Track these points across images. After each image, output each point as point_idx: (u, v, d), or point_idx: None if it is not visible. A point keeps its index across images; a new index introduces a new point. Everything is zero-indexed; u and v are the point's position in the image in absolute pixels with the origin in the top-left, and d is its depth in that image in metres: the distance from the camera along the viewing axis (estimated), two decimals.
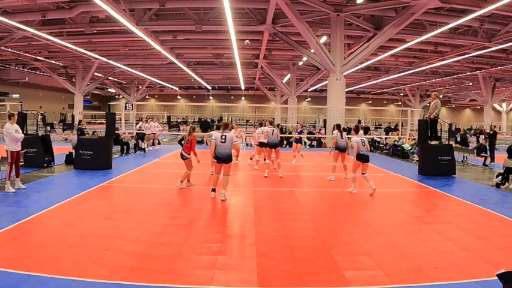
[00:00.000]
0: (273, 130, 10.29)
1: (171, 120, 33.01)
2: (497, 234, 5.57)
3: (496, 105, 43.59)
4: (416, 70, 29.52)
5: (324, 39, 19.22)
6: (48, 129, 22.06)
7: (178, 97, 52.25)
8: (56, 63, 31.08)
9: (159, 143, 18.39)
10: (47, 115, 24.34)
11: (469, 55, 22.89)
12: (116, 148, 14.20)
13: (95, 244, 4.76)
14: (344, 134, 10.37)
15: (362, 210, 7.12)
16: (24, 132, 10.62)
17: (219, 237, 5.23)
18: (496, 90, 34.74)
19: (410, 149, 15.62)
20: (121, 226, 5.56)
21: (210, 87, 47.44)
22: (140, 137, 16.24)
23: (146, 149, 15.85)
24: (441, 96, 43.34)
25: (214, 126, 13.36)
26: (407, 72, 30.66)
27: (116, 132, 13.63)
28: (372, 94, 50.88)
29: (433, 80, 35.55)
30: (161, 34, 20.84)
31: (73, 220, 5.77)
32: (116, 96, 49.16)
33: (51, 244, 4.71)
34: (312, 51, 19.10)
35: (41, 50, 26.24)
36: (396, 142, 17.94)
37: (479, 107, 50.42)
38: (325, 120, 21.25)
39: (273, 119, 14.50)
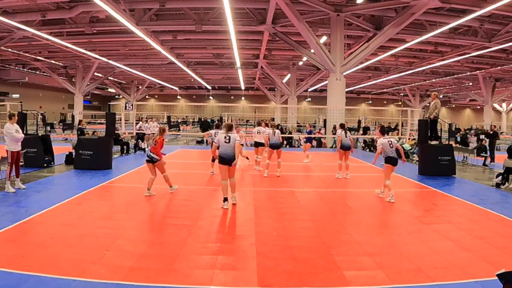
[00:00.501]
0: (275, 131, 10.35)
1: (171, 120, 33.00)
2: (497, 234, 5.57)
3: (496, 105, 43.59)
4: (416, 70, 29.52)
5: (324, 39, 19.22)
6: (48, 129, 22.08)
7: (178, 97, 52.26)
8: (56, 63, 31.09)
9: None
10: (47, 115, 24.36)
11: (469, 55, 22.89)
12: (116, 148, 14.21)
13: (95, 244, 4.76)
14: (348, 133, 10.48)
15: (362, 210, 7.11)
16: (24, 132, 10.62)
17: (219, 237, 5.23)
18: (496, 90, 34.74)
19: (410, 149, 15.61)
20: (121, 226, 5.56)
21: (210, 87, 47.45)
22: (140, 137, 16.24)
23: (146, 149, 15.83)
24: (441, 96, 43.37)
25: (214, 126, 13.27)
26: (407, 72, 30.66)
27: (116, 132, 13.64)
28: (372, 94, 50.89)
29: (433, 80, 35.55)
30: (161, 34, 20.84)
31: (73, 220, 5.77)
32: (116, 96, 49.17)
33: (51, 244, 4.71)
34: (312, 51, 19.10)
35: (41, 50, 26.24)
36: (396, 141, 17.92)
37: (479, 107, 50.43)
38: (325, 120, 21.26)
39: (273, 119, 14.67)
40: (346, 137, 10.27)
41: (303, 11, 16.56)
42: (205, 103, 52.59)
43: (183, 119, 42.87)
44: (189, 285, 3.76)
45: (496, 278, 2.53)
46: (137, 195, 7.67)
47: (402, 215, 6.77)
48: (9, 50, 24.81)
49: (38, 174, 9.73)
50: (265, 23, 17.56)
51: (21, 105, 14.39)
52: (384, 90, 47.14)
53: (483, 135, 16.51)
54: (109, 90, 48.54)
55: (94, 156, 10.65)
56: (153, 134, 17.05)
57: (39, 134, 12.28)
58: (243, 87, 44.93)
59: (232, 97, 53.74)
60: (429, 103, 13.41)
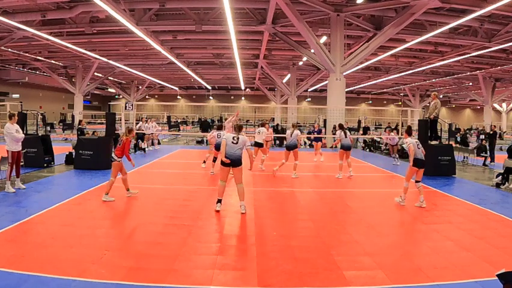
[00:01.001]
0: (293, 132, 10.42)
1: (171, 120, 33.00)
2: (497, 234, 5.57)
3: (496, 105, 43.58)
4: (416, 70, 29.52)
5: (324, 39, 19.22)
6: (48, 129, 22.06)
7: (178, 97, 52.26)
8: (56, 63, 31.09)
9: (159, 143, 18.39)
10: (47, 115, 24.34)
11: (469, 55, 22.89)
12: None
13: (95, 244, 4.76)
14: (348, 133, 10.53)
15: (362, 210, 7.11)
16: (24, 132, 10.62)
17: (219, 237, 5.23)
18: (496, 90, 34.74)
19: None
20: (121, 226, 5.56)
21: (210, 87, 47.44)
22: (140, 137, 16.24)
23: (146, 149, 15.85)
24: (441, 96, 43.37)
25: (215, 126, 13.25)
26: (407, 72, 30.66)
27: (116, 132, 13.63)
28: (372, 94, 50.88)
29: (433, 80, 35.55)
30: (161, 34, 20.85)
31: (73, 220, 5.77)
32: (116, 96, 49.16)
33: (51, 244, 4.71)
34: (312, 51, 19.10)
35: (41, 50, 26.24)
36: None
37: (479, 107, 50.43)
38: (325, 120, 21.25)
39: (273, 119, 14.83)
40: (346, 137, 10.35)
41: (303, 11, 16.56)
42: (205, 103, 52.58)
43: (183, 119, 42.87)
44: (189, 285, 3.76)
45: (496, 278, 2.53)
46: (138, 195, 7.67)
47: (402, 215, 6.77)
48: (9, 50, 24.82)
49: (38, 174, 9.73)
50: (265, 23, 17.56)
51: (21, 105, 14.37)
52: (384, 90, 47.14)
53: (483, 136, 16.53)
54: (109, 90, 48.54)
55: (94, 156, 10.65)
56: (152, 134, 17.16)
57: (39, 134, 12.27)
58: (243, 87, 44.90)
59: (232, 97, 53.73)
60: (429, 103, 13.41)
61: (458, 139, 20.66)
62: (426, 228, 5.86)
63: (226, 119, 12.50)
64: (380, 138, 21.14)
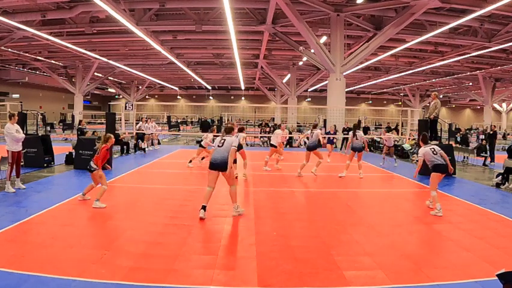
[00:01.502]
0: (313, 132, 10.53)
1: (171, 120, 33.01)
2: (497, 234, 5.57)
3: (496, 105, 43.58)
4: (416, 70, 29.53)
5: (324, 39, 19.22)
6: (48, 129, 22.08)
7: (178, 97, 52.27)
8: (56, 63, 31.09)
9: (159, 143, 18.39)
10: (47, 115, 24.38)
11: (469, 55, 22.89)
12: (116, 148, 14.20)
13: (95, 244, 4.76)
14: (360, 133, 10.54)
15: (362, 210, 7.12)
16: (24, 132, 10.63)
17: (218, 237, 5.23)
18: (496, 90, 34.75)
19: (410, 149, 15.62)
20: (121, 226, 5.56)
21: (210, 87, 47.45)
22: (140, 137, 16.24)
23: (146, 149, 15.85)
24: (441, 96, 43.35)
25: (213, 129, 13.22)
26: (407, 72, 30.67)
27: (116, 132, 13.64)
28: (372, 94, 50.88)
29: (433, 80, 35.56)
30: (161, 34, 20.85)
31: (73, 220, 5.77)
32: (116, 96, 49.18)
33: (51, 244, 4.71)
34: (312, 51, 19.10)
35: (41, 50, 26.25)
36: (396, 142, 17.93)
37: (479, 107, 50.43)
38: (325, 120, 21.25)
39: (273, 119, 14.94)
40: (357, 138, 10.35)
41: (303, 11, 16.56)
42: (205, 103, 52.60)
43: (183, 119, 42.88)
44: (189, 285, 3.76)
45: (496, 278, 2.53)
46: (137, 195, 7.68)
47: (402, 215, 6.77)
48: (9, 50, 24.82)
49: (38, 174, 9.73)
50: (265, 23, 17.56)
51: (21, 105, 14.40)
52: (384, 90, 47.15)
53: (483, 136, 16.54)
54: (109, 90, 48.55)
55: (94, 156, 10.63)
56: (152, 134, 17.15)
57: (39, 134, 12.28)
58: (243, 87, 44.91)
59: (232, 97, 53.74)
60: (429, 103, 13.43)
61: (458, 139, 20.67)
62: (426, 228, 5.86)
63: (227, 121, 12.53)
64: (380, 138, 21.16)
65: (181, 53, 26.86)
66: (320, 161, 10.40)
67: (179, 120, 37.93)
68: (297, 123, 34.81)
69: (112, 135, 6.97)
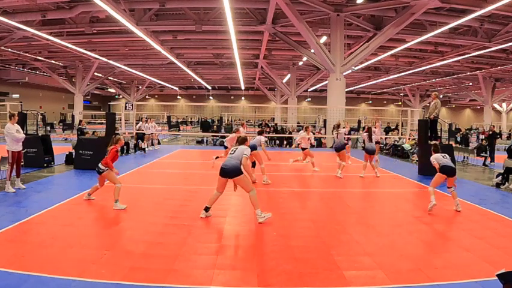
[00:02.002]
0: (338, 132, 10.58)
1: (171, 120, 33.02)
2: (497, 234, 5.57)
3: (496, 105, 43.57)
4: (416, 70, 29.51)
5: (324, 39, 19.22)
6: (48, 129, 22.08)
7: (178, 97, 52.26)
8: (56, 63, 31.09)
9: (159, 143, 18.39)
10: (47, 115, 24.38)
11: (469, 55, 22.88)
12: None
13: (95, 244, 4.76)
14: (375, 136, 10.60)
15: (362, 210, 7.12)
16: (24, 132, 10.62)
17: (219, 237, 5.23)
18: (496, 90, 34.73)
19: (410, 149, 15.62)
20: (121, 226, 5.56)
21: (210, 87, 47.44)
22: (140, 137, 16.24)
23: (146, 149, 15.85)
24: (441, 96, 43.36)
25: (237, 129, 12.72)
26: (407, 72, 30.65)
27: (116, 132, 13.63)
28: (372, 94, 50.87)
29: (433, 80, 35.54)
30: (161, 34, 20.84)
31: (73, 220, 5.77)
32: (116, 96, 49.17)
33: (51, 244, 4.71)
34: (312, 51, 19.10)
35: (41, 50, 26.24)
36: (396, 142, 17.95)
37: (479, 107, 50.41)
38: (325, 120, 21.25)
39: (273, 119, 14.80)
40: (371, 141, 10.37)
41: (303, 11, 16.55)
42: (205, 103, 52.58)
43: (183, 119, 42.87)
44: (189, 285, 3.76)
45: (496, 278, 2.52)
46: (137, 195, 7.68)
47: (402, 215, 6.77)
48: (9, 50, 24.81)
49: (38, 174, 9.73)
50: (265, 23, 17.55)
51: (21, 105, 14.39)
52: (384, 90, 47.14)
53: (482, 136, 16.53)
54: (109, 90, 48.53)
55: (94, 156, 10.62)
56: (151, 134, 17.15)
57: (39, 134, 12.28)
58: (243, 87, 44.90)
59: (232, 97, 53.73)
60: (430, 103, 13.41)
61: (458, 139, 20.67)
62: (426, 228, 5.86)
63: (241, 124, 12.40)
64: (380, 138, 21.16)
65: (181, 53, 26.85)
66: (343, 164, 10.54)
67: (179, 120, 37.95)
68: (297, 123, 34.82)
69: (122, 137, 7.00)
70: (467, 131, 26.22)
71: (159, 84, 45.87)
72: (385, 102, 53.97)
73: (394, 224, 6.09)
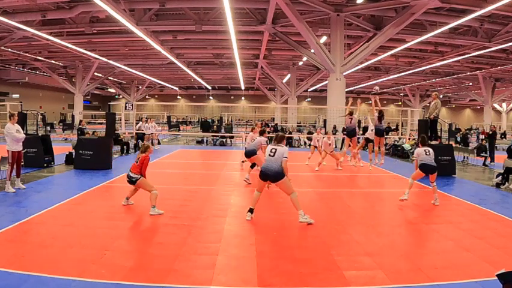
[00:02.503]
0: (351, 118, 11.34)
1: (171, 120, 33.03)
2: (497, 234, 5.57)
3: (496, 105, 43.57)
4: (416, 70, 29.51)
5: (324, 39, 19.22)
6: (48, 129, 22.06)
7: (178, 97, 52.26)
8: (56, 63, 31.09)
9: (159, 143, 18.39)
10: (47, 115, 24.34)
11: (469, 55, 22.88)
12: (116, 148, 14.20)
13: (95, 244, 4.76)
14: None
15: (362, 210, 7.12)
16: (25, 132, 10.62)
17: (219, 237, 5.23)
18: (496, 90, 34.74)
19: (410, 149, 15.62)
20: (121, 226, 5.56)
21: (210, 87, 47.45)
22: (140, 137, 16.24)
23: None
24: (441, 96, 43.34)
25: (252, 130, 12.00)
26: (407, 72, 30.66)
27: (116, 132, 13.63)
28: (372, 94, 50.84)
29: (433, 80, 35.54)
30: (161, 34, 20.84)
31: (73, 220, 5.77)
32: (116, 96, 49.16)
33: (51, 244, 4.71)
34: (312, 51, 19.10)
35: (41, 50, 26.24)
36: (396, 142, 17.96)
37: (479, 107, 50.41)
38: (325, 120, 21.24)
39: (273, 119, 14.94)
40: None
41: (303, 11, 16.55)
42: (205, 103, 52.58)
43: (183, 119, 42.87)
44: (189, 285, 3.76)
45: (496, 278, 2.52)
46: (137, 195, 7.66)
47: (402, 215, 6.77)
48: (9, 50, 24.81)
49: (38, 174, 9.73)
50: (265, 23, 17.55)
51: (21, 105, 14.38)
52: (384, 90, 47.10)
53: (482, 136, 16.52)
54: (109, 90, 48.53)
55: (94, 156, 10.65)
56: (151, 134, 17.14)
57: (39, 134, 12.27)
58: (243, 87, 44.90)
59: (232, 97, 53.74)
60: (430, 103, 13.41)
61: (458, 139, 20.67)
62: (427, 228, 5.86)
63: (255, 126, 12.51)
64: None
65: (181, 53, 26.85)
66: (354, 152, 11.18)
67: (179, 120, 37.94)
68: (297, 123, 34.84)
69: (150, 145, 7.10)
70: (467, 131, 26.22)
71: (159, 84, 45.88)
72: (385, 102, 53.91)
73: (394, 224, 6.09)
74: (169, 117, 33.07)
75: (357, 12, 16.95)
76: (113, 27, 18.62)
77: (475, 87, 37.32)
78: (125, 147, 14.98)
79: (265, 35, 19.50)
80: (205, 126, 22.42)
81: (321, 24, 18.46)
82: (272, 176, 5.77)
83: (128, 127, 21.52)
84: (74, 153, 11.24)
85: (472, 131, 31.10)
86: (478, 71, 29.20)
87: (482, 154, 14.46)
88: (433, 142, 11.86)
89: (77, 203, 6.87)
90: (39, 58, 28.39)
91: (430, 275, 4.07)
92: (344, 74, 18.69)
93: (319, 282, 3.90)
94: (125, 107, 16.36)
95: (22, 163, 8.86)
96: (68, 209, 6.46)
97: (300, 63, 29.41)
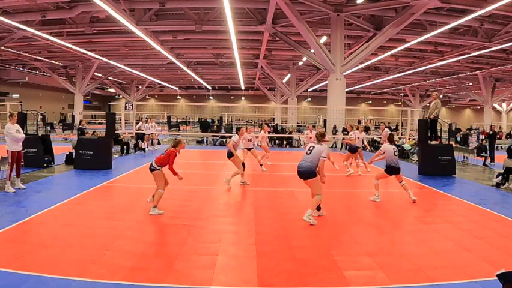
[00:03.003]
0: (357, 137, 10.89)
1: (171, 120, 33.02)
2: (497, 234, 5.57)
3: (496, 105, 43.56)
4: (416, 70, 29.51)
5: (324, 39, 19.22)
6: (48, 129, 22.06)
7: (178, 97, 52.25)
8: (56, 63, 31.09)
9: (159, 143, 18.39)
10: (47, 115, 24.34)
11: (469, 55, 22.88)
12: (116, 148, 14.20)
13: (95, 244, 4.76)
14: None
15: (362, 210, 7.12)
16: (24, 132, 10.62)
17: (218, 237, 5.23)
18: (496, 90, 34.71)
19: (410, 149, 15.62)
20: (121, 226, 5.56)
21: (210, 87, 47.45)
22: (140, 137, 16.24)
23: (146, 149, 15.85)
24: (441, 96, 43.35)
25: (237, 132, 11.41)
26: (407, 72, 30.65)
27: (116, 132, 13.63)
28: (372, 94, 50.86)
29: (433, 80, 35.54)
30: (161, 34, 20.84)
31: (73, 220, 5.77)
32: (116, 96, 49.16)
33: (51, 244, 4.71)
34: (312, 51, 19.10)
35: (41, 50, 26.24)
36: (396, 142, 17.94)
37: (479, 107, 50.40)
38: (325, 120, 21.24)
39: (273, 119, 14.83)
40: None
41: (303, 11, 16.55)
42: (205, 103, 52.57)
43: (183, 119, 42.86)
44: (189, 285, 3.76)
45: (496, 278, 2.52)
46: (137, 195, 7.67)
47: (402, 215, 6.77)
48: (9, 50, 24.81)
49: (38, 174, 9.73)
50: (265, 23, 17.55)
51: (21, 105, 14.38)
52: (384, 90, 47.13)
53: (482, 136, 16.52)
54: (109, 90, 48.52)
55: (94, 156, 10.64)
56: (151, 134, 17.13)
57: (39, 134, 12.27)
58: (243, 87, 44.90)
59: (232, 97, 53.74)
60: (430, 103, 13.41)
61: (458, 139, 20.66)
62: (427, 228, 5.86)
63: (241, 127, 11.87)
64: (380, 138, 21.15)
65: (181, 53, 26.85)
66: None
67: (179, 120, 37.93)
68: (297, 123, 34.84)
69: (183, 140, 6.68)
70: (467, 131, 26.21)
71: (159, 84, 45.87)
72: (385, 102, 53.95)
73: (394, 224, 6.09)
74: (169, 117, 33.07)
75: (357, 12, 16.94)
76: (113, 27, 18.62)
77: (475, 87, 37.32)
78: (125, 147, 14.98)
79: (265, 35, 19.50)
80: (205, 126, 22.43)
81: (321, 24, 18.46)
82: (302, 173, 5.84)
83: (128, 127, 21.52)
84: (74, 153, 11.24)
85: (472, 131, 31.09)
86: (478, 71, 29.19)
87: (482, 154, 14.46)
88: (433, 142, 11.86)
89: (77, 203, 6.87)
90: (39, 58, 28.39)
91: (430, 275, 4.07)
92: (344, 74, 18.69)
93: (319, 282, 3.90)
94: (125, 107, 16.35)
95: (22, 163, 8.86)
96: (68, 209, 6.46)
97: (300, 63, 29.41)
